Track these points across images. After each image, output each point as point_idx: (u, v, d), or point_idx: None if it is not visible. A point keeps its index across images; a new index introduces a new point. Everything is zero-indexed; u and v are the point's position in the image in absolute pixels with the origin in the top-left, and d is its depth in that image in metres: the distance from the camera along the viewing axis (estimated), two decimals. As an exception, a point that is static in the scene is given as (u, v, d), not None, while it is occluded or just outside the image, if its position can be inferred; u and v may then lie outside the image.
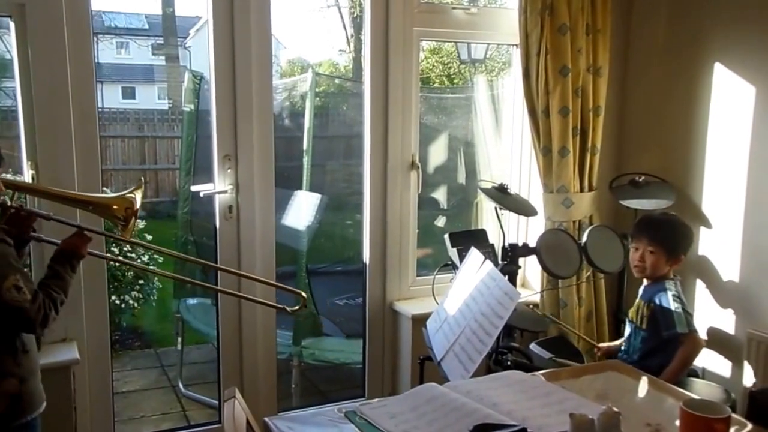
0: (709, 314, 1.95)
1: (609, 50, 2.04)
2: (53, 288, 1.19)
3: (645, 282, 1.71)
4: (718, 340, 1.90)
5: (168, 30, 5.84)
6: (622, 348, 1.75)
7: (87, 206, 1.33)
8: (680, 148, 2.04)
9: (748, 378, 1.79)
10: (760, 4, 1.79)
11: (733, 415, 0.96)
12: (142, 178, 1.37)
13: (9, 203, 1.22)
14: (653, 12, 2.11)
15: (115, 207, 1.27)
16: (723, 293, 1.93)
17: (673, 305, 1.60)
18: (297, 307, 1.47)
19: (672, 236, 1.66)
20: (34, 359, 1.24)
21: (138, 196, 1.27)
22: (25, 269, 1.30)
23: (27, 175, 1.61)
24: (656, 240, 1.65)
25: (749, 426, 1.02)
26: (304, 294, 1.49)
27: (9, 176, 1.47)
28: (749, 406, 1.44)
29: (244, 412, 0.94)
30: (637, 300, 1.73)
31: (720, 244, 1.93)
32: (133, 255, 2.99)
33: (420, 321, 1.77)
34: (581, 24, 1.97)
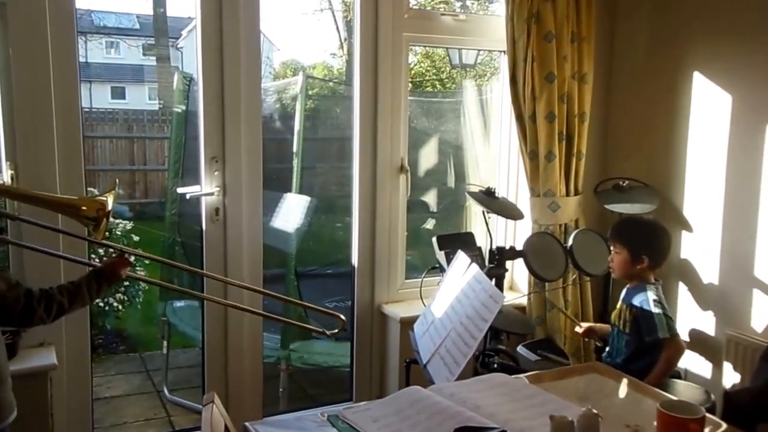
0: (689, 316, 1.98)
1: (593, 58, 2.08)
2: (61, 290, 1.15)
3: (627, 285, 1.74)
4: (698, 342, 1.94)
5: (159, 30, 5.80)
6: (606, 350, 1.77)
7: (52, 206, 1.29)
8: (662, 154, 2.08)
9: (728, 379, 1.83)
10: (736, 18, 1.84)
11: (708, 416, 0.98)
12: (117, 180, 1.35)
13: None
14: (636, 22, 2.16)
15: (83, 208, 1.23)
16: (703, 295, 1.97)
17: (655, 309, 1.63)
18: (336, 330, 1.44)
19: (634, 238, 1.69)
20: (2, 367, 1.19)
21: (110, 199, 1.25)
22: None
23: (6, 176, 1.59)
24: (619, 242, 1.70)
25: (724, 426, 1.05)
26: (343, 317, 1.45)
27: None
28: (724, 406, 1.47)
29: (222, 417, 0.94)
30: (619, 303, 1.75)
31: (700, 247, 1.97)
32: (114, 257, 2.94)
33: (408, 324, 1.78)
34: (566, 32, 2.00)
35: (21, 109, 1.57)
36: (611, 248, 1.74)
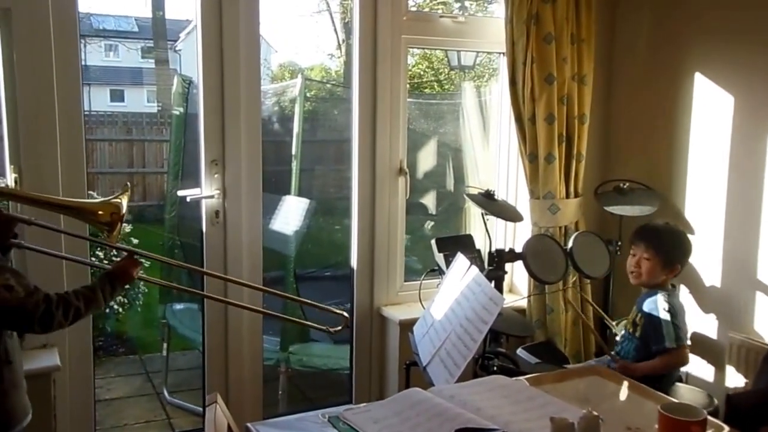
0: (692, 319, 1.98)
1: (593, 59, 2.08)
2: (77, 294, 1.16)
3: (643, 290, 1.73)
4: (701, 345, 1.93)
5: (158, 33, 5.81)
6: (615, 350, 1.76)
7: (71, 212, 1.31)
8: (663, 156, 2.08)
9: (731, 382, 1.82)
10: (738, 18, 1.84)
11: (710, 418, 0.97)
12: (128, 183, 1.35)
13: None
14: (636, 23, 2.16)
15: (100, 212, 1.25)
16: (706, 298, 1.96)
17: (663, 316, 1.62)
18: (339, 328, 1.42)
19: (669, 246, 1.68)
20: (17, 371, 1.20)
21: (124, 201, 1.26)
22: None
23: (9, 179, 1.59)
24: (653, 247, 1.68)
25: (726, 429, 1.04)
26: (346, 314, 1.44)
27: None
28: (726, 409, 1.46)
29: (225, 417, 0.93)
30: (635, 308, 1.74)
31: (702, 249, 1.97)
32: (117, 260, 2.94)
33: (407, 326, 1.77)
34: (566, 33, 2.01)
35: (25, 112, 1.57)
36: (632, 253, 1.71)
